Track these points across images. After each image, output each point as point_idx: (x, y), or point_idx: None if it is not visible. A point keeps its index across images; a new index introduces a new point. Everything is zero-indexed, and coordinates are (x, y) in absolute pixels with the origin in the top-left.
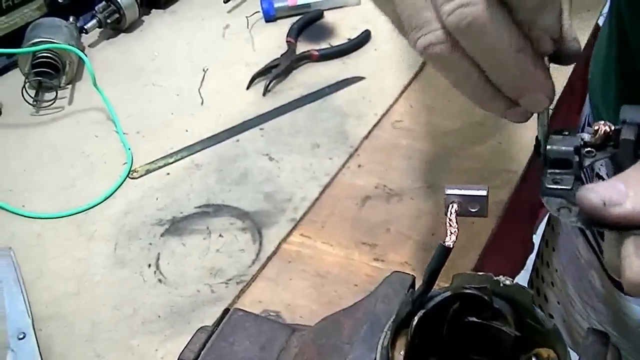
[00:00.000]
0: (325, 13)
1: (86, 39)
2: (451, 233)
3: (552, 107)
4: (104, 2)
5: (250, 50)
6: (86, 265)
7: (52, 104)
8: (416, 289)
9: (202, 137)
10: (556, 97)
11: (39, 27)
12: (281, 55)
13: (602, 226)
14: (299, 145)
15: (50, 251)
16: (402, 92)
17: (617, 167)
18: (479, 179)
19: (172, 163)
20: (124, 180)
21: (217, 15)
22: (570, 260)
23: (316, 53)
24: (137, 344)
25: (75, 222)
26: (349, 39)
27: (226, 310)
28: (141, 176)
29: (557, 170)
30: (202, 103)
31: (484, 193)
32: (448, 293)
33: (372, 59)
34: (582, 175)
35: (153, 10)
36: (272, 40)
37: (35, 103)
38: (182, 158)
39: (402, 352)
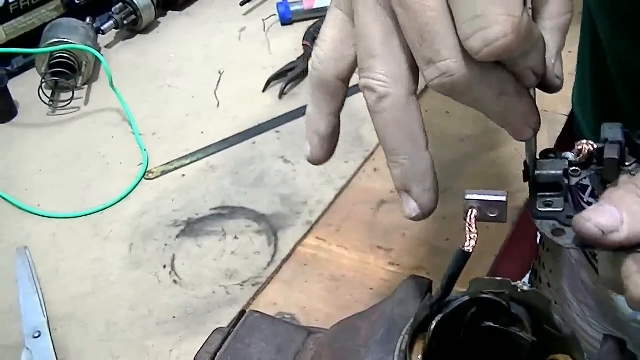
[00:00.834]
0: None
1: (103, 40)
2: (470, 238)
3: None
4: (120, 4)
5: (267, 53)
6: (101, 266)
7: (68, 105)
8: (433, 293)
9: (218, 139)
10: None
11: (56, 27)
12: (297, 59)
13: (599, 249)
14: None
15: (66, 251)
16: (418, 97)
17: (603, 183)
18: (495, 184)
19: (187, 165)
20: (140, 181)
21: (233, 18)
22: (563, 260)
23: None
24: (152, 344)
25: (91, 222)
26: None
27: (242, 312)
28: (157, 177)
29: (547, 194)
30: (218, 105)
31: (503, 199)
32: (466, 298)
33: None
34: (570, 193)
35: (169, 12)
36: (288, 44)
37: (51, 103)
38: (197, 160)
39: (420, 356)
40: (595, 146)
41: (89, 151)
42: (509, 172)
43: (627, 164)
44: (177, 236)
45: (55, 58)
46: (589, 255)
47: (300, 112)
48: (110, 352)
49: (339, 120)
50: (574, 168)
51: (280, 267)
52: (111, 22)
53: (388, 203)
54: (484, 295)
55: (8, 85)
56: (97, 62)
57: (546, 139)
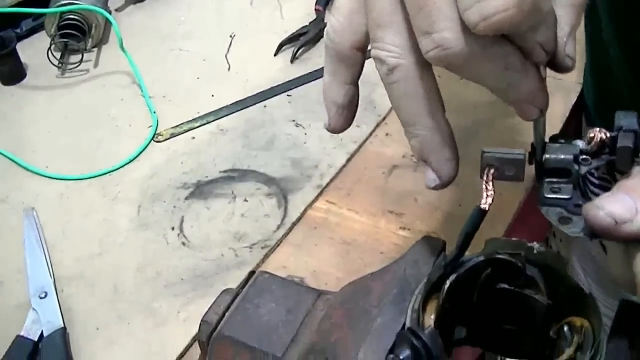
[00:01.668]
0: None
1: (113, 3)
2: (487, 196)
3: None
4: None
5: (279, 17)
6: (109, 227)
7: (77, 67)
8: (447, 254)
9: (229, 103)
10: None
11: None
12: (309, 23)
13: (609, 240)
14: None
15: (74, 212)
16: None
17: (614, 173)
18: None
19: (197, 127)
20: (149, 144)
21: None
22: None
23: None
24: (159, 306)
25: (99, 184)
26: None
27: (252, 273)
28: (166, 139)
29: (554, 179)
30: (228, 69)
31: (521, 156)
32: (481, 258)
33: None
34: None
35: None
36: (301, 9)
37: (60, 65)
38: (207, 123)
39: (433, 316)
40: (608, 134)
41: (98, 113)
42: (524, 139)
43: None
44: (186, 198)
45: (64, 20)
46: None
47: (312, 76)
48: (117, 314)
49: (357, 89)
50: (584, 157)
51: (289, 230)
52: None
53: (400, 168)
54: (499, 256)
55: (17, 47)
56: (107, 24)
57: (561, 107)
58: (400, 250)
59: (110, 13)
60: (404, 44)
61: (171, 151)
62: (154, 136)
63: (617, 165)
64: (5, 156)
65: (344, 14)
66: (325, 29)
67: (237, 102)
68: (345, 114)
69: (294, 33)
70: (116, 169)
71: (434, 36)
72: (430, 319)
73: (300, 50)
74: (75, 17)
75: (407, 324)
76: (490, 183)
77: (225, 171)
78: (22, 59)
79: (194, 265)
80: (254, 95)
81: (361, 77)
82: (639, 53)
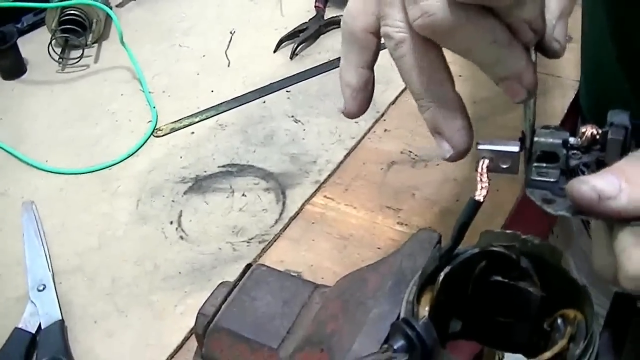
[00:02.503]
0: None
1: None
2: (482, 187)
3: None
4: None
5: (279, 14)
6: (108, 221)
7: (78, 62)
8: (442, 246)
9: (228, 98)
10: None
11: None
12: (309, 20)
13: (592, 217)
14: (326, 109)
15: (73, 206)
16: None
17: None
18: None
19: (197, 122)
20: (148, 138)
21: None
22: (564, 225)
23: None
24: (157, 299)
25: (99, 178)
26: None
27: (248, 265)
28: (166, 134)
29: (543, 164)
30: (228, 65)
31: (515, 149)
32: (475, 250)
33: None
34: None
35: None
36: (301, 5)
37: (61, 61)
38: (207, 118)
39: (427, 308)
40: (599, 130)
41: (98, 108)
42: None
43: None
44: (185, 192)
45: (65, 15)
46: (584, 222)
47: (311, 72)
48: (115, 307)
49: (372, 73)
50: (574, 151)
51: (287, 224)
52: None
53: (398, 164)
54: (494, 248)
55: (18, 42)
56: (108, 20)
57: (559, 104)
58: (397, 246)
59: (111, 9)
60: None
61: (170, 146)
62: (153, 131)
63: (606, 160)
64: (6, 150)
65: None
66: (343, 13)
67: (236, 97)
68: (360, 98)
69: (293, 29)
70: (116, 164)
71: (421, 4)
72: (424, 311)
73: (299, 47)
74: (76, 12)
75: (402, 315)
76: (485, 175)
77: (223, 166)
78: (23, 54)
79: (192, 259)
80: (253, 91)
81: None
82: (634, 55)
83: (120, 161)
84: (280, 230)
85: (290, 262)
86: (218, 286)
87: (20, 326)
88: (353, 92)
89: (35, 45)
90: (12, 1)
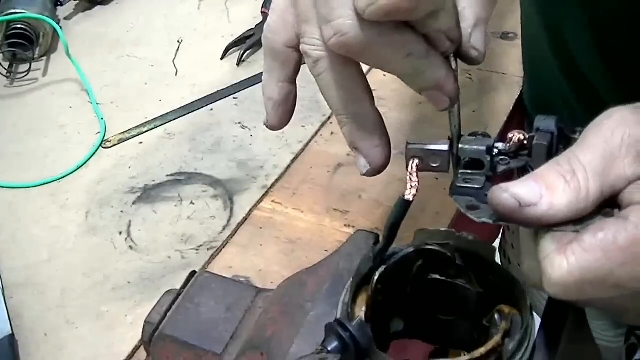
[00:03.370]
0: None
1: (62, 12)
2: (411, 187)
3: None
4: None
5: (226, 21)
6: (58, 233)
7: (26, 76)
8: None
9: (176, 107)
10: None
11: None
12: (256, 26)
13: (514, 224)
14: None
15: (23, 220)
16: None
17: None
18: None
19: (145, 132)
20: (97, 150)
21: None
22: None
23: None
24: (107, 310)
25: (48, 191)
26: None
27: (193, 273)
28: (114, 145)
29: (468, 171)
30: (176, 74)
31: (445, 148)
32: (410, 249)
33: None
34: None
35: None
36: (248, 12)
37: (9, 75)
38: (155, 127)
39: (364, 308)
40: (526, 135)
41: (47, 121)
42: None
43: None
44: (134, 203)
45: (12, 29)
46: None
47: (258, 78)
48: (66, 319)
49: (294, 87)
50: (502, 157)
51: (235, 230)
52: None
53: (345, 166)
54: (429, 247)
55: None
56: (55, 33)
57: (505, 101)
58: None
59: (59, 22)
60: None
61: (119, 156)
62: (102, 142)
63: (533, 165)
64: None
65: (277, 13)
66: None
67: (184, 106)
68: (281, 111)
69: (240, 36)
70: (65, 176)
71: (333, 24)
72: (361, 311)
73: (246, 53)
74: (23, 26)
75: (337, 317)
76: (415, 174)
77: (172, 175)
78: None
79: (141, 268)
80: (201, 98)
81: (306, 78)
82: (566, 50)
83: (69, 173)
84: (229, 237)
85: (239, 268)
86: (164, 294)
87: None
88: (275, 106)
89: None
90: None
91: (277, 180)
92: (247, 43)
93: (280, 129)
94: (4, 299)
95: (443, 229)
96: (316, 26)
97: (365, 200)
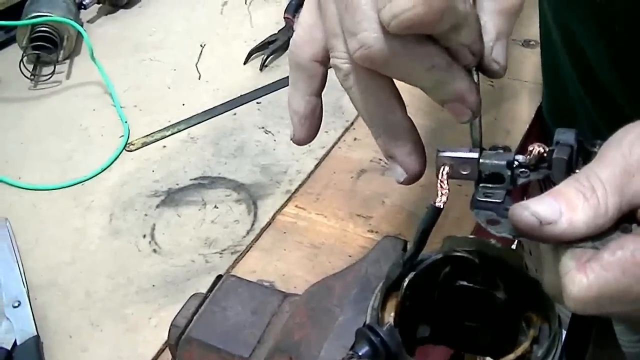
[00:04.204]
0: None
1: (85, 15)
2: (442, 194)
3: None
4: None
5: (248, 26)
6: (82, 235)
7: (49, 78)
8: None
9: (199, 111)
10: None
11: (38, 1)
12: (279, 31)
13: (534, 240)
14: None
15: (47, 222)
16: None
17: (550, 186)
18: None
19: (168, 136)
20: (121, 153)
21: None
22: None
23: None
24: (131, 312)
25: (72, 193)
26: None
27: (219, 277)
28: (138, 149)
29: (489, 185)
30: (199, 78)
31: (475, 156)
32: (439, 255)
33: None
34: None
35: None
36: (270, 17)
37: (32, 77)
38: (178, 131)
39: (392, 314)
40: (546, 149)
41: (70, 123)
42: (489, 141)
43: (576, 171)
44: (157, 206)
45: (36, 32)
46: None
47: (280, 83)
48: (89, 321)
49: (320, 101)
50: (522, 170)
51: (259, 235)
52: None
53: (368, 172)
54: (457, 253)
55: None
56: (79, 36)
57: (526, 109)
58: None
59: (82, 25)
60: None
61: (142, 160)
62: (125, 145)
63: (552, 178)
64: None
65: (304, 28)
66: (290, 42)
67: (207, 110)
68: (307, 125)
69: (263, 41)
70: (88, 179)
71: (358, 37)
72: (389, 317)
73: (269, 58)
74: (47, 29)
75: (367, 322)
76: (446, 182)
77: (195, 178)
78: None
79: (165, 271)
80: (224, 103)
81: (329, 84)
82: (582, 59)
83: (93, 176)
84: (252, 241)
85: (262, 272)
86: (190, 298)
87: None
88: (301, 119)
89: (6, 63)
90: None
91: (300, 185)
92: (270, 48)
93: (307, 143)
94: (29, 300)
95: (471, 236)
96: (344, 40)
97: (388, 205)
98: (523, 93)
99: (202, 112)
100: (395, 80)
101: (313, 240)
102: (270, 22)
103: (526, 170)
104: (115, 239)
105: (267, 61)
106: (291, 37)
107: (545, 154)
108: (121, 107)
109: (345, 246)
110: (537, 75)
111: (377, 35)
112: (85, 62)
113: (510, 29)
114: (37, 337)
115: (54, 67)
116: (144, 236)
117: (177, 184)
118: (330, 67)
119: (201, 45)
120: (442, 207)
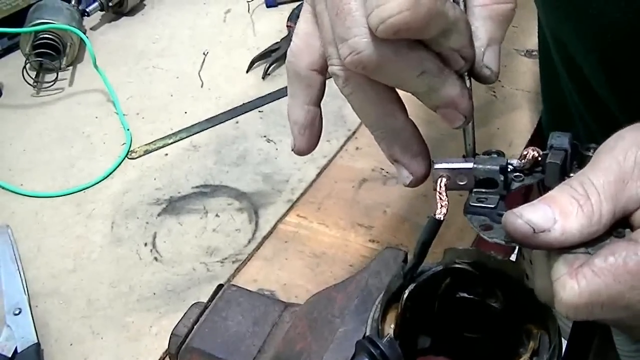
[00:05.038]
0: None
1: (88, 22)
2: (441, 206)
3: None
4: None
5: (251, 34)
6: (84, 243)
7: (52, 86)
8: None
9: (201, 119)
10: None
11: (41, 8)
12: (281, 40)
13: (528, 247)
14: None
15: (49, 229)
16: None
17: (544, 190)
18: None
19: (171, 144)
20: (123, 161)
21: (218, 0)
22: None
23: None
24: (132, 320)
25: (74, 201)
26: None
27: (220, 286)
28: (140, 156)
29: (482, 190)
30: (202, 86)
31: (470, 166)
32: (439, 267)
33: None
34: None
35: None
36: (273, 25)
37: (35, 84)
38: (181, 139)
39: (393, 326)
40: (540, 152)
41: (72, 131)
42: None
43: (571, 175)
44: (159, 214)
45: (39, 39)
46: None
47: (283, 92)
48: (91, 329)
49: (319, 110)
50: (517, 174)
51: (260, 244)
52: (96, 3)
53: (369, 181)
54: (457, 265)
55: None
56: (82, 43)
57: (528, 118)
58: None
59: (85, 32)
60: None
61: (145, 168)
62: (127, 153)
63: (545, 182)
64: None
65: (301, 37)
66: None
67: (209, 118)
68: (307, 135)
69: (265, 49)
70: (90, 186)
71: (349, 42)
72: (390, 328)
73: (271, 67)
74: (50, 36)
75: (367, 333)
76: (444, 194)
77: (197, 187)
78: None
79: (166, 280)
80: (226, 111)
81: (331, 93)
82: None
83: (95, 184)
84: (254, 250)
85: (263, 281)
86: (191, 307)
87: None
88: (301, 129)
89: (9, 70)
90: None
91: (302, 194)
92: (273, 56)
93: (308, 153)
94: (30, 308)
95: (472, 248)
96: (337, 46)
97: (389, 215)
98: (525, 103)
99: (205, 120)
100: None
101: (314, 249)
102: (273, 30)
103: (520, 174)
104: (116, 247)
105: (270, 69)
106: None
107: (539, 158)
108: (124, 115)
109: (347, 256)
110: (539, 86)
111: (367, 40)
112: (88, 70)
113: (502, 35)
114: (38, 345)
115: (57, 75)
116: (146, 244)
117: (179, 192)
118: (330, 77)
119: (204, 54)
120: (442, 219)
